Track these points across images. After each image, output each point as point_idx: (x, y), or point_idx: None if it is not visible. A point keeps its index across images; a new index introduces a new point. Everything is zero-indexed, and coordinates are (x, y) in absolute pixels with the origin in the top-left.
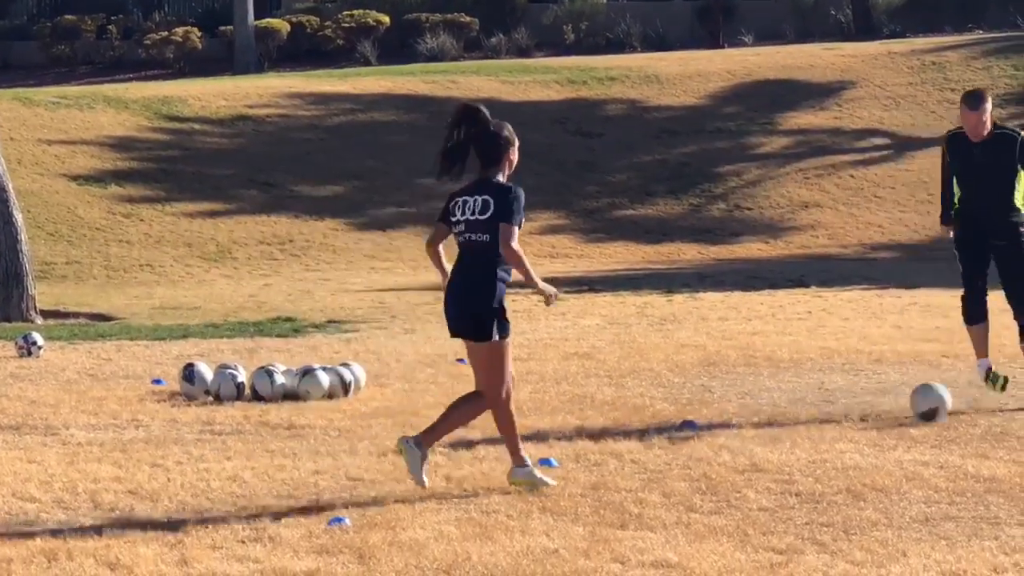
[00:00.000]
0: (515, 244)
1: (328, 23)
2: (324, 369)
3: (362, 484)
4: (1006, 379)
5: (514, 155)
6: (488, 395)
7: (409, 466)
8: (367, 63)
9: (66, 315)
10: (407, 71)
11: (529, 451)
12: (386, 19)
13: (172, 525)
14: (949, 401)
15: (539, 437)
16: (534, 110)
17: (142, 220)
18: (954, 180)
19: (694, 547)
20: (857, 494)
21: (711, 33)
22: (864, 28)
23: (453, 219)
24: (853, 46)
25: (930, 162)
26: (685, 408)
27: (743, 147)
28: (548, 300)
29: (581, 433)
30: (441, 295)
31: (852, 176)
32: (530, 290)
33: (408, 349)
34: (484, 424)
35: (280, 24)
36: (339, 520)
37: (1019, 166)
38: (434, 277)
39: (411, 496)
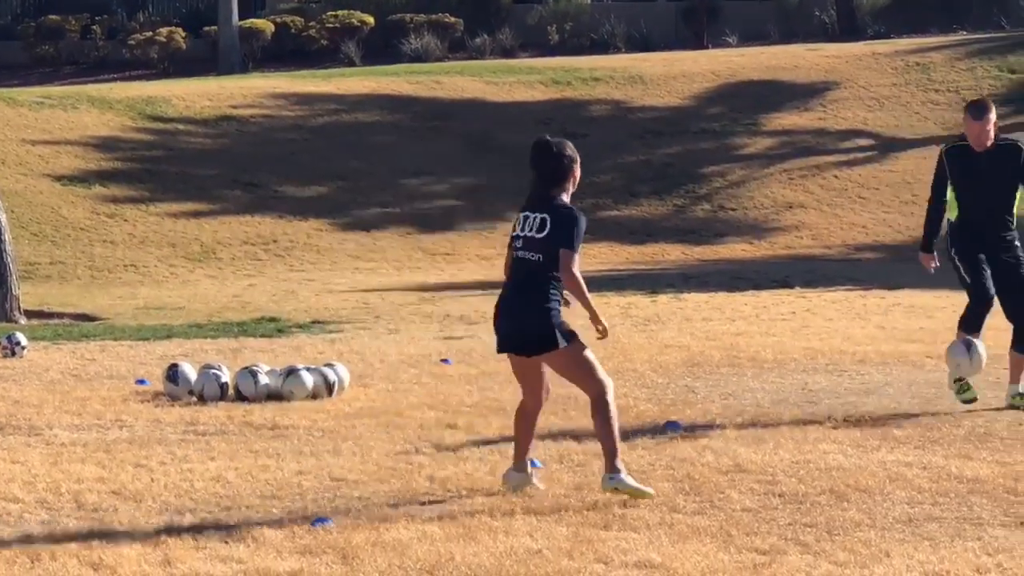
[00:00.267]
0: (576, 270)
1: (312, 23)
2: (308, 369)
3: (345, 484)
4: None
5: (578, 171)
6: (591, 394)
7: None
8: (351, 63)
9: (50, 315)
10: (391, 71)
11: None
12: (370, 19)
13: (155, 525)
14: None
15: None
16: (518, 111)
17: (126, 220)
18: (950, 194)
19: (677, 547)
20: (840, 495)
21: (695, 34)
22: (848, 29)
23: (514, 233)
24: (837, 47)
25: (914, 163)
26: (669, 409)
27: (727, 148)
28: (602, 334)
29: (565, 434)
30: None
31: (836, 177)
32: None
33: (392, 349)
34: (467, 424)
35: (264, 24)
36: (323, 520)
37: (1021, 179)
38: (420, 277)
39: (394, 497)
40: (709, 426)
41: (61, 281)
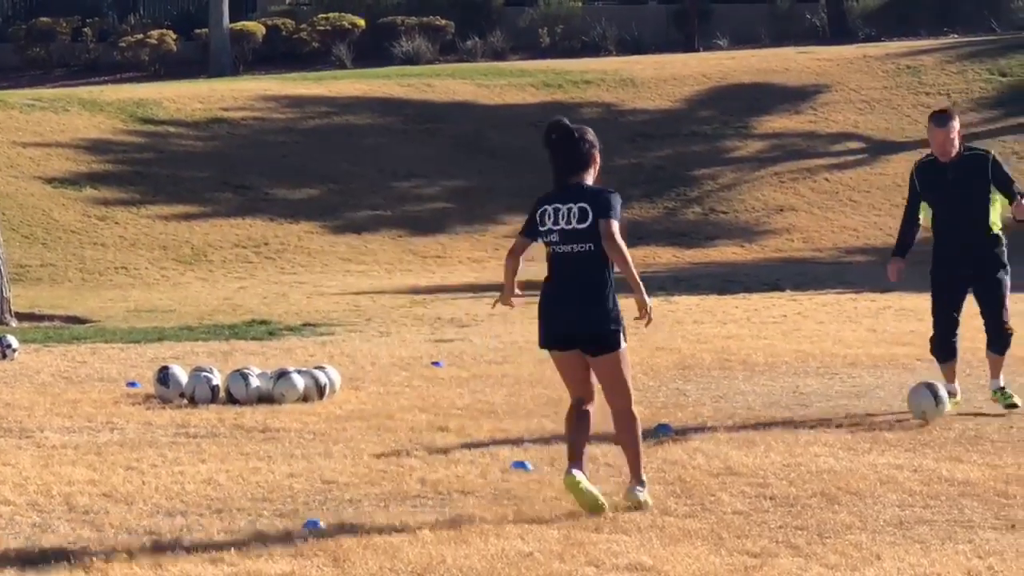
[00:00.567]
0: (619, 239)
1: (303, 26)
2: (299, 372)
3: (336, 487)
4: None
5: (599, 157)
6: (622, 405)
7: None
8: (342, 66)
9: (41, 318)
10: (382, 74)
11: (504, 454)
12: (361, 22)
13: (146, 528)
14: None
15: (514, 440)
16: (509, 113)
17: (117, 223)
18: (924, 212)
19: (668, 550)
20: (831, 498)
21: (686, 37)
22: (839, 32)
23: (543, 228)
24: (828, 50)
25: (905, 166)
26: (660, 411)
27: (718, 151)
28: (644, 312)
29: (556, 436)
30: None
31: (827, 180)
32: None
33: (383, 352)
34: (459, 427)
35: (255, 27)
36: (313, 523)
37: (992, 185)
38: (411, 280)
39: (385, 499)
40: (700, 429)
41: (52, 283)
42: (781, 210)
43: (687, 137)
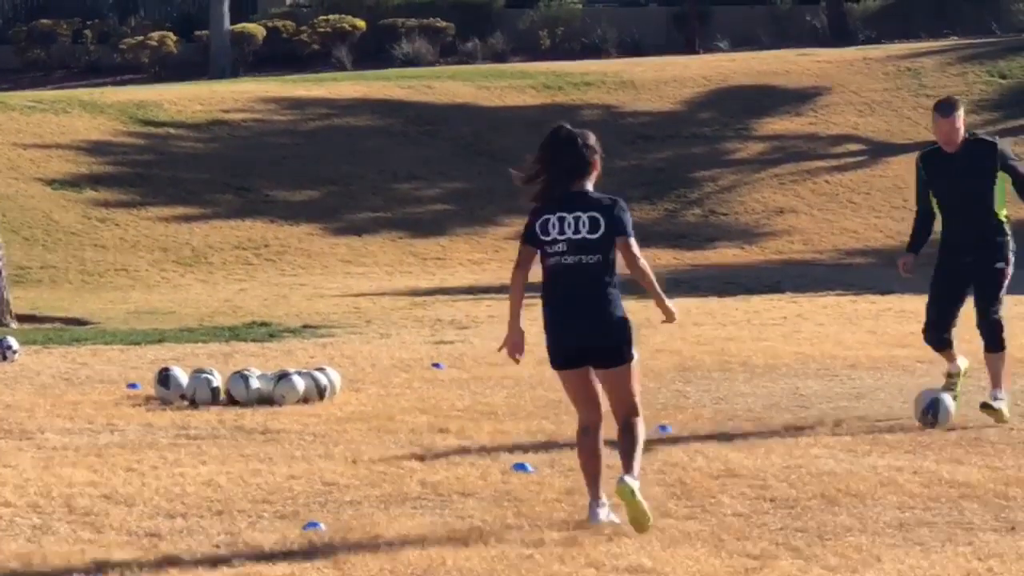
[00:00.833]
0: (643, 258)
1: (304, 28)
2: (299, 374)
3: (337, 489)
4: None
5: (599, 163)
6: (630, 418)
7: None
8: (343, 68)
9: (41, 319)
10: (383, 76)
11: (504, 456)
12: (362, 24)
13: (147, 529)
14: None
15: (515, 442)
16: (510, 115)
17: (117, 224)
18: (933, 203)
19: (668, 552)
20: (831, 500)
21: (687, 39)
22: (839, 34)
23: (546, 238)
24: (828, 52)
25: (905, 168)
26: (660, 413)
27: (718, 153)
28: (671, 317)
29: (556, 438)
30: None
31: (827, 182)
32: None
33: (383, 354)
34: (459, 428)
35: (256, 29)
36: (314, 525)
37: (999, 171)
38: (411, 281)
39: (386, 501)
40: (700, 431)
41: (52, 285)
42: (781, 212)
43: (687, 139)
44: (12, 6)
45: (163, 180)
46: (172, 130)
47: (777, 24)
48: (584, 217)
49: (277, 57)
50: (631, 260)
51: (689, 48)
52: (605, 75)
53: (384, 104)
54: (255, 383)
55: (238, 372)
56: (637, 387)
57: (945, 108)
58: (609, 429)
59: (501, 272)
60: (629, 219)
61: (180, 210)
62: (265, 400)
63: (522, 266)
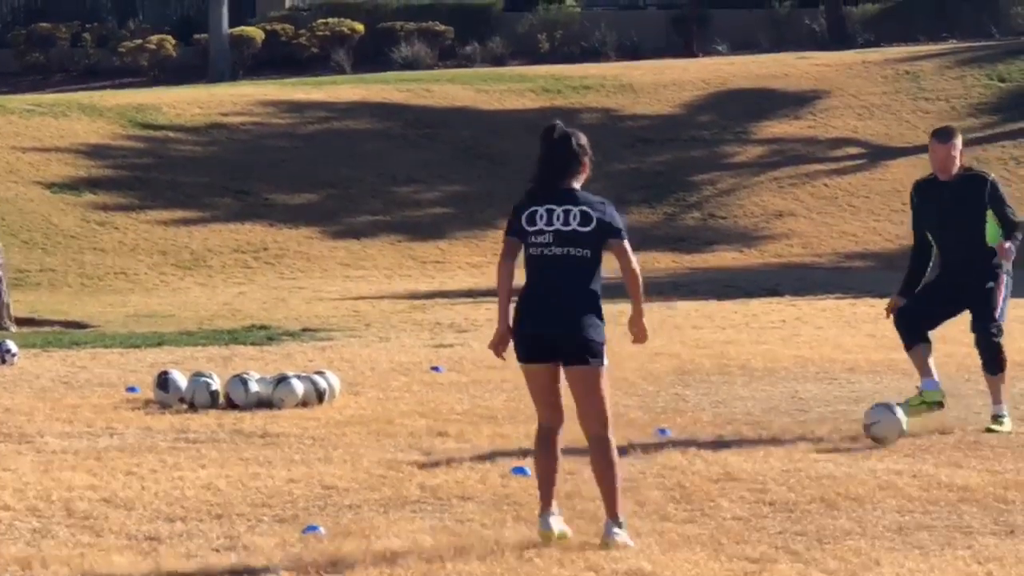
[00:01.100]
0: (637, 265)
1: (303, 31)
2: (298, 377)
3: (336, 492)
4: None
5: (589, 164)
6: (598, 431)
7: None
8: (342, 71)
9: (40, 323)
10: (382, 79)
11: (504, 459)
12: (361, 27)
13: (146, 533)
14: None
15: (514, 445)
16: (508, 119)
17: (116, 228)
18: (928, 233)
19: (668, 556)
20: (831, 503)
21: (685, 42)
22: (838, 37)
23: (531, 228)
24: (827, 55)
25: (904, 172)
26: (659, 417)
27: (717, 156)
28: (641, 336)
29: None
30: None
31: (826, 185)
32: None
33: (382, 357)
34: (458, 432)
35: (255, 32)
36: (313, 528)
37: (988, 207)
38: (410, 285)
39: (385, 505)
40: (699, 434)
41: (51, 288)
42: (780, 215)
43: (686, 142)
44: (11, 10)
45: (162, 183)
46: (171, 133)
47: (776, 27)
48: (575, 210)
49: (276, 60)
50: (625, 262)
51: (688, 51)
52: (604, 79)
53: (383, 107)
54: (254, 387)
55: (237, 375)
56: (607, 397)
57: (943, 135)
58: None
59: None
60: (621, 220)
61: (179, 213)
62: (264, 404)
63: (507, 257)
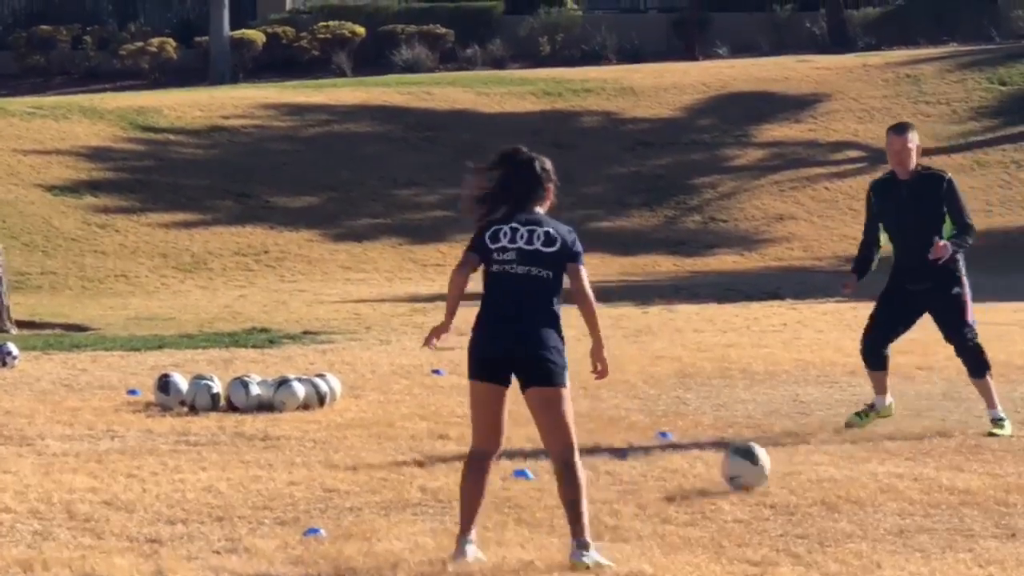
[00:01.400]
0: (591, 292)
1: (303, 34)
2: (299, 380)
3: (337, 495)
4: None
5: (553, 190)
6: (565, 455)
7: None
8: (342, 74)
9: (41, 325)
10: (382, 82)
11: (504, 462)
12: (361, 30)
13: (147, 536)
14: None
15: (515, 448)
16: (509, 122)
17: (117, 231)
18: (881, 231)
19: (669, 559)
20: (832, 506)
21: (686, 45)
22: (839, 41)
23: (495, 245)
24: (828, 59)
25: None
26: (660, 420)
27: (718, 159)
28: (601, 366)
29: None
30: (406, 308)
31: (827, 188)
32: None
33: (383, 360)
34: (459, 435)
35: (255, 35)
36: (314, 531)
37: (944, 206)
38: (411, 288)
39: (386, 507)
40: (700, 437)
41: (52, 291)
42: (781, 219)
43: (687, 146)
44: (12, 12)
45: (163, 186)
46: (172, 136)
47: (777, 31)
48: (540, 231)
49: (277, 63)
50: (580, 287)
51: (689, 55)
52: (605, 82)
53: (384, 110)
54: (255, 389)
55: (238, 378)
56: (571, 421)
57: (899, 128)
58: (606, 429)
59: None
60: (581, 248)
61: (180, 216)
62: (265, 406)
63: (463, 268)
